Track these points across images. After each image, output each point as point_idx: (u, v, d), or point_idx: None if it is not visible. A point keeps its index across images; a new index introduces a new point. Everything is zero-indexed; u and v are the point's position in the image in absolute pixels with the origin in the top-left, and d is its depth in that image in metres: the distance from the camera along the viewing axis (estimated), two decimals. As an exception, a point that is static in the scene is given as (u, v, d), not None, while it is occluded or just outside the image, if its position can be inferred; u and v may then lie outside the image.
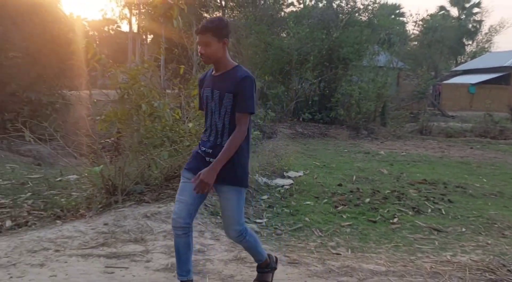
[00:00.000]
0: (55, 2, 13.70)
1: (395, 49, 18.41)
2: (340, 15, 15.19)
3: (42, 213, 5.50)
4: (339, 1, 15.63)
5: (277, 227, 4.52)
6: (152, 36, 33.43)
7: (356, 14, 15.72)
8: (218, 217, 4.45)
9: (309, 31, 14.12)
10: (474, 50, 55.34)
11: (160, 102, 5.14)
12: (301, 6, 26.00)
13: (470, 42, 56.30)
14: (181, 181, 2.92)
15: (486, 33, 53.91)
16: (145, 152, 5.01)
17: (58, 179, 7.43)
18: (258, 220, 4.69)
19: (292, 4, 31.16)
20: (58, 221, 4.99)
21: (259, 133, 9.58)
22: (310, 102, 14.76)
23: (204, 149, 2.86)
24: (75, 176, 7.77)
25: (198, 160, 2.88)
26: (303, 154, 9.42)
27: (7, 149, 10.38)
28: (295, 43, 14.01)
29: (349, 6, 15.37)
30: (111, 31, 51.09)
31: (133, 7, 32.64)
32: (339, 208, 5.31)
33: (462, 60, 54.58)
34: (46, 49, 12.21)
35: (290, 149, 9.71)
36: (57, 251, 3.60)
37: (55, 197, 6.25)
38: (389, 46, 17.99)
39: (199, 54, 2.78)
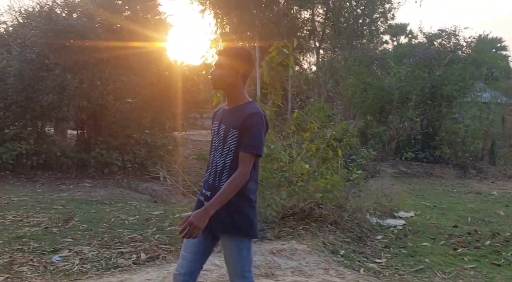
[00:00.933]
0: (164, 50, 15.00)
1: (499, 84, 17.71)
2: (443, 53, 15.00)
3: (169, 246, 6.00)
4: (441, 39, 15.51)
5: (397, 267, 4.58)
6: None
7: (459, 52, 15.43)
8: (339, 255, 4.62)
9: (410, 70, 14.09)
10: None
11: (277, 145, 5.49)
12: (395, 43, 26.05)
13: None
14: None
15: None
16: (264, 191, 5.33)
17: (176, 215, 8.00)
18: (377, 260, 4.78)
19: (386, 42, 31.20)
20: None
21: (362, 172, 9.64)
22: (413, 141, 14.54)
23: (203, 191, 2.61)
24: (191, 213, 8.31)
25: (198, 206, 2.58)
26: (410, 193, 9.32)
27: (128, 187, 11.29)
28: (396, 82, 14.01)
29: (451, 43, 15.17)
30: (208, 76, 53.86)
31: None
32: (458, 250, 5.25)
33: None
34: (160, 96, 13.31)
35: (395, 188, 9.65)
36: (200, 282, 3.96)
37: (177, 232, 6.76)
38: (492, 82, 17.35)
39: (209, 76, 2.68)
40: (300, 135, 6.47)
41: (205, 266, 4.37)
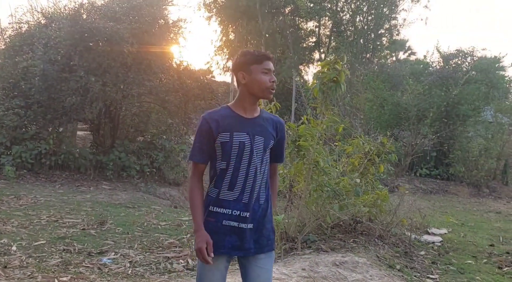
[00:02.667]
0: (182, 56, 15.11)
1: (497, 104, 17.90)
2: (460, 73, 15.26)
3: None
4: (457, 59, 15.77)
5: (452, 284, 4.69)
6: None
7: (473, 72, 15.70)
8: (396, 269, 4.71)
9: (428, 88, 14.31)
10: None
11: (328, 159, 5.60)
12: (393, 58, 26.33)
13: None
14: (203, 268, 2.32)
15: None
16: (318, 204, 5.42)
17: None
18: (430, 276, 4.88)
19: (385, 57, 31.56)
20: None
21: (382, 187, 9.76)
22: (428, 158, 14.72)
23: (235, 212, 2.31)
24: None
25: (226, 233, 2.30)
26: (433, 210, 9.45)
27: (146, 191, 11.34)
28: (413, 99, 14.21)
29: (467, 64, 15.44)
30: (273, 84, 54.01)
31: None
32: (504, 269, 5.36)
33: None
34: (177, 101, 13.40)
35: (417, 205, 9.75)
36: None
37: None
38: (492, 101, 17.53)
39: (272, 83, 2.36)
40: (342, 148, 6.58)
41: (274, 275, 4.47)
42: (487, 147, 14.03)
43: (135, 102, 12.68)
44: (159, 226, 7.56)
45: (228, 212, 2.31)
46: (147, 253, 5.90)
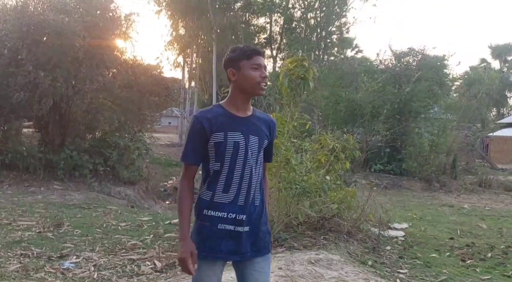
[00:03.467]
0: (134, 51, 14.72)
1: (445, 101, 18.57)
2: (411, 71, 15.68)
3: (176, 254, 5.91)
4: (408, 58, 16.22)
5: (422, 278, 4.75)
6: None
7: (423, 70, 16.14)
8: (368, 265, 4.74)
9: (382, 85, 14.64)
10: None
11: (299, 156, 5.57)
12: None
13: (513, 95, 56.30)
14: (199, 272, 2.21)
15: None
16: (288, 201, 5.38)
17: (167, 222, 7.89)
18: (400, 270, 4.94)
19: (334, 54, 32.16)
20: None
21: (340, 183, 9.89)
22: (382, 154, 15.06)
23: (231, 215, 2.19)
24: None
25: (222, 237, 2.20)
26: (391, 205, 9.64)
27: (101, 191, 10.98)
28: (368, 97, 14.49)
29: (417, 62, 15.88)
30: (266, 80, 53.20)
31: (187, 57, 34.27)
32: (468, 262, 5.51)
33: (505, 113, 54.37)
34: (132, 98, 13.01)
35: (379, 200, 9.94)
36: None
37: (177, 240, 6.68)
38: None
39: (263, 79, 2.25)
40: (309, 145, 6.58)
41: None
42: (437, 142, 14.52)
43: (87, 98, 12.20)
44: (119, 227, 7.31)
45: (224, 215, 2.20)
46: (111, 256, 5.68)
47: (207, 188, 2.25)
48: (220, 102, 2.35)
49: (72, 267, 5.08)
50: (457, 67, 63.54)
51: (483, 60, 58.77)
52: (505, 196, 13.39)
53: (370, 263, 4.83)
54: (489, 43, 76.11)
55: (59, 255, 5.50)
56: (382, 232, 6.42)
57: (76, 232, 6.77)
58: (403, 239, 6.45)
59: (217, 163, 2.22)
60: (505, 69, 57.06)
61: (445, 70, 18.67)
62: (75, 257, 5.49)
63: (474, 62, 56.75)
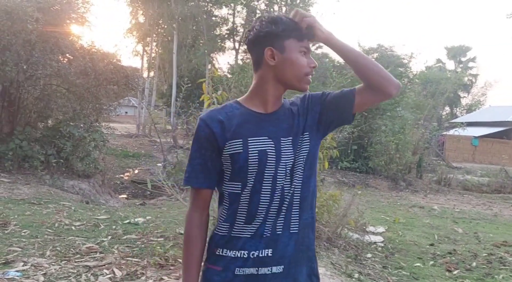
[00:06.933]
0: (91, 36, 13.82)
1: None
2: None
3: (139, 260, 5.32)
4: (377, 54, 16.04)
5: (412, 292, 4.39)
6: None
7: (392, 67, 16.03)
8: (354, 278, 4.31)
9: (350, 81, 14.37)
10: (469, 103, 56.92)
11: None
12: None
13: (466, 95, 58.06)
14: None
15: (481, 87, 55.56)
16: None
17: (126, 221, 7.27)
18: (388, 284, 4.56)
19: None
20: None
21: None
22: (349, 151, 14.80)
23: (253, 254, 1.54)
24: (141, 219, 7.62)
25: None
26: (363, 205, 9.34)
27: (53, 185, 10.16)
28: (336, 92, 14.14)
29: (383, 60, 15.75)
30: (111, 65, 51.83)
31: (147, 45, 33.24)
32: (454, 273, 5.19)
33: (457, 112, 56.06)
34: (89, 85, 12.19)
35: (346, 200, 9.63)
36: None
37: (138, 242, 6.10)
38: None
39: (312, 69, 1.67)
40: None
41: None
42: (404, 141, 14.40)
43: (39, 84, 11.31)
44: (72, 227, 6.62)
45: (244, 255, 1.54)
46: (63, 262, 5.03)
47: (223, 219, 1.60)
48: (238, 98, 1.69)
49: (18, 276, 4.42)
50: (417, 66, 64.86)
51: (439, 61, 60.39)
52: (470, 197, 13.41)
53: (356, 275, 4.41)
54: (445, 44, 78.14)
55: (3, 261, 4.82)
56: (361, 238, 6.04)
57: (24, 232, 6.06)
58: (382, 245, 6.09)
59: (236, 182, 1.57)
60: (459, 69, 58.73)
61: (411, 68, 18.66)
62: (22, 263, 4.82)
63: (430, 62, 58.11)
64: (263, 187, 1.54)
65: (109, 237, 6.20)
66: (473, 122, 38.31)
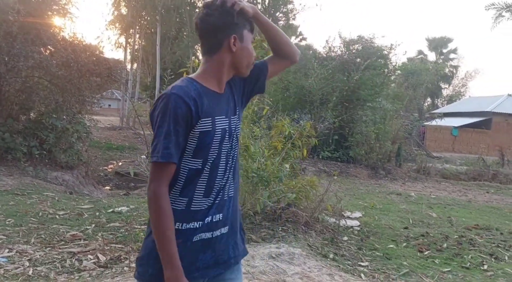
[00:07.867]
0: (74, 27, 13.81)
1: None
2: (360, 59, 15.71)
3: (122, 246, 5.47)
4: (357, 45, 16.24)
5: (384, 271, 4.59)
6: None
7: (374, 58, 16.21)
8: (329, 258, 4.53)
9: (331, 72, 14.56)
10: (450, 93, 57.54)
11: (257, 143, 5.25)
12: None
13: (447, 86, 58.67)
14: None
15: (462, 78, 56.15)
16: (245, 191, 5.06)
17: (110, 211, 7.40)
18: (361, 263, 4.75)
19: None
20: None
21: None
22: (330, 141, 15.02)
23: (207, 220, 1.69)
24: (125, 208, 7.75)
25: (198, 250, 1.69)
26: (341, 193, 9.57)
27: (36, 176, 10.21)
28: (318, 83, 14.36)
29: (366, 50, 15.94)
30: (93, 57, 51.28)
31: (130, 37, 33.01)
32: (425, 253, 5.43)
33: (439, 103, 56.71)
34: (71, 77, 12.20)
35: (325, 186, 9.84)
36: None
37: (121, 230, 6.24)
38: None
39: (254, 59, 1.85)
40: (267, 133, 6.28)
41: None
42: (384, 131, 14.65)
43: (21, 76, 11.30)
44: (56, 216, 6.74)
45: (199, 224, 1.68)
46: (48, 249, 5.16)
47: (180, 194, 1.68)
48: (190, 75, 1.79)
49: (4, 262, 4.55)
50: (398, 57, 65.01)
51: (420, 52, 60.88)
52: (447, 184, 13.74)
53: (331, 256, 4.62)
54: (426, 35, 78.67)
55: (-12, 249, 4.93)
56: (338, 222, 6.24)
57: (9, 221, 6.17)
58: (358, 229, 6.31)
59: (198, 159, 1.67)
60: (441, 61, 59.26)
61: (391, 60, 18.84)
62: (7, 250, 4.95)
63: (412, 54, 58.52)
64: (220, 162, 1.71)
65: (93, 225, 6.34)
66: (453, 113, 38.87)
